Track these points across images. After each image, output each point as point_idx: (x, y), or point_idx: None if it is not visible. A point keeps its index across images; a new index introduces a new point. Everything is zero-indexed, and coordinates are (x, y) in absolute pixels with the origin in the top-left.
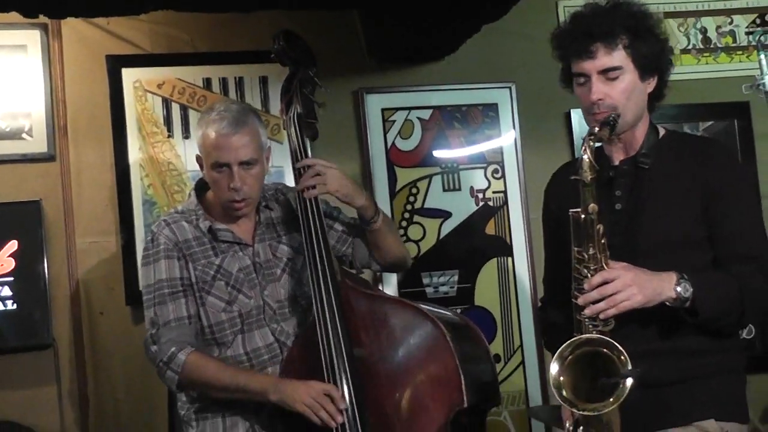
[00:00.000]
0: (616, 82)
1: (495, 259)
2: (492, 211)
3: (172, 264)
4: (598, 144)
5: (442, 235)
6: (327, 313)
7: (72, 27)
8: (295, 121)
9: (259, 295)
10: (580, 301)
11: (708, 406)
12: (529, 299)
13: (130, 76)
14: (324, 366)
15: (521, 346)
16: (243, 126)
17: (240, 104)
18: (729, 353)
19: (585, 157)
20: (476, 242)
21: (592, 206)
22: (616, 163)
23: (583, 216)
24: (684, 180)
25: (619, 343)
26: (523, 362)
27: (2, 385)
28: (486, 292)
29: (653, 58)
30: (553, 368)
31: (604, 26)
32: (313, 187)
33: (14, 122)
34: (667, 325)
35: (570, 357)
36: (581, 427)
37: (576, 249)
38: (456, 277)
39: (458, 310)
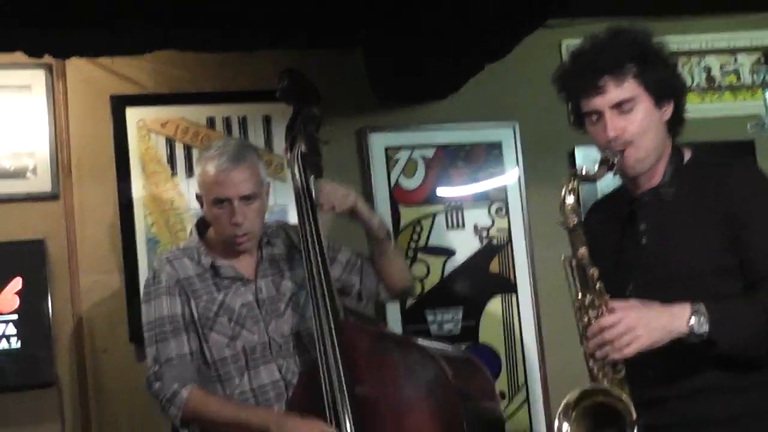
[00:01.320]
0: (632, 114)
1: (499, 296)
2: (496, 249)
3: (174, 301)
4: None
5: (446, 272)
6: (329, 351)
7: (76, 67)
8: (299, 159)
9: (264, 331)
10: (587, 350)
11: None
12: (533, 336)
13: (133, 115)
14: (326, 404)
15: (526, 383)
16: (242, 161)
17: (238, 140)
18: (764, 390)
19: (568, 200)
20: (480, 280)
21: (582, 251)
22: (638, 194)
23: (574, 262)
24: (707, 208)
25: (623, 390)
26: (527, 399)
27: (5, 423)
28: (490, 329)
29: (666, 82)
30: (564, 428)
31: (610, 58)
32: (346, 196)
33: (18, 161)
34: (686, 363)
35: (574, 412)
36: None
37: (575, 297)
38: (460, 315)
39: (462, 348)
